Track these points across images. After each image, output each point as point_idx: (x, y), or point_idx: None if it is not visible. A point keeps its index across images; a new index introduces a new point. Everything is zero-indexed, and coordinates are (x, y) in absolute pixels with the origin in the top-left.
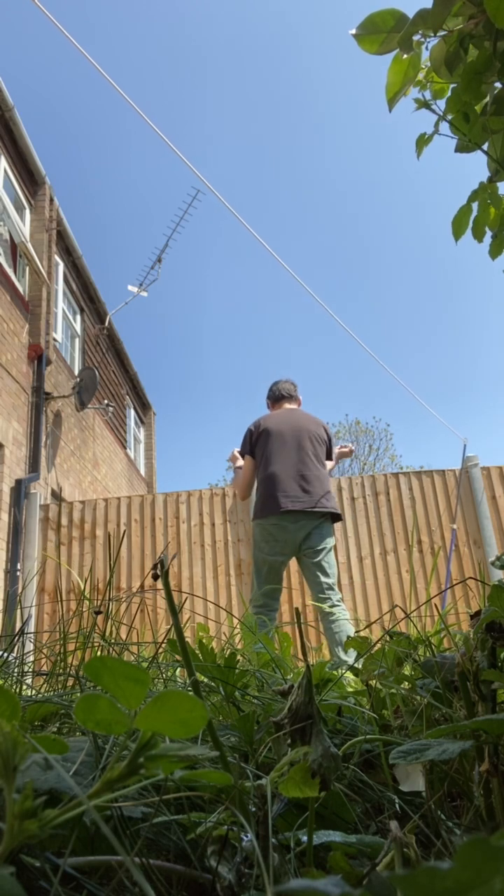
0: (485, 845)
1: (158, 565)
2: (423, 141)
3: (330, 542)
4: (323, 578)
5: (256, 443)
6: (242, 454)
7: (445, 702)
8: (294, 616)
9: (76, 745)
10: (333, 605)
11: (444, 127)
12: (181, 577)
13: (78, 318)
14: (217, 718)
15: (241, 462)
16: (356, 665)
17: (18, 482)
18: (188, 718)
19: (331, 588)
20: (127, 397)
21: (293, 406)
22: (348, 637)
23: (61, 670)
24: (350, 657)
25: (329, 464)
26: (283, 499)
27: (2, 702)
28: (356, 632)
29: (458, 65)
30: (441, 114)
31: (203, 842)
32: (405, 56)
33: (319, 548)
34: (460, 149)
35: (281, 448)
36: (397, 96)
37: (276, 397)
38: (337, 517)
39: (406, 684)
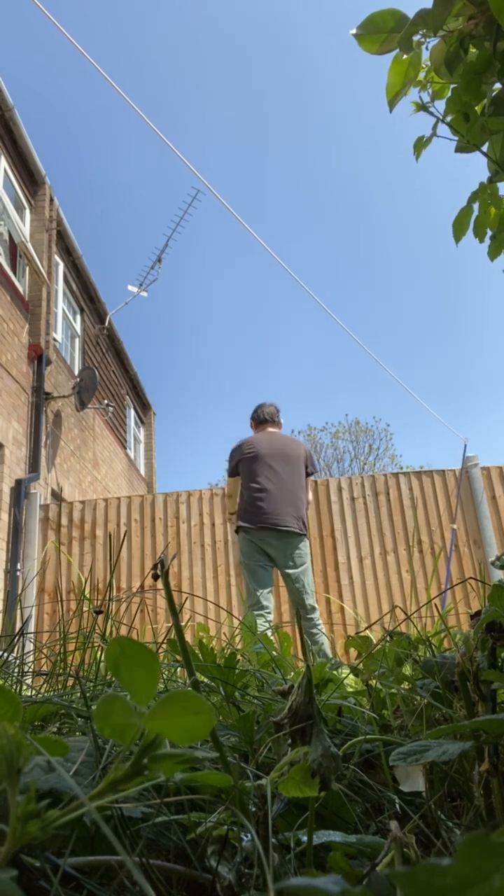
0: (485, 842)
1: (158, 565)
2: (421, 143)
3: (308, 558)
4: (308, 600)
5: (240, 462)
6: (228, 474)
7: (445, 702)
8: (294, 616)
9: (76, 746)
10: (315, 625)
11: (444, 128)
12: (181, 577)
13: (78, 318)
14: (217, 718)
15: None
16: (356, 665)
17: (18, 482)
18: (194, 722)
19: (314, 609)
20: (127, 397)
21: (274, 430)
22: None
23: (61, 670)
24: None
25: (310, 480)
26: (265, 516)
27: (3, 703)
28: (357, 632)
29: (458, 65)
30: (440, 116)
31: (203, 842)
32: (405, 56)
33: (300, 567)
34: (460, 149)
35: (264, 469)
36: (398, 97)
37: (260, 420)
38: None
39: (406, 684)
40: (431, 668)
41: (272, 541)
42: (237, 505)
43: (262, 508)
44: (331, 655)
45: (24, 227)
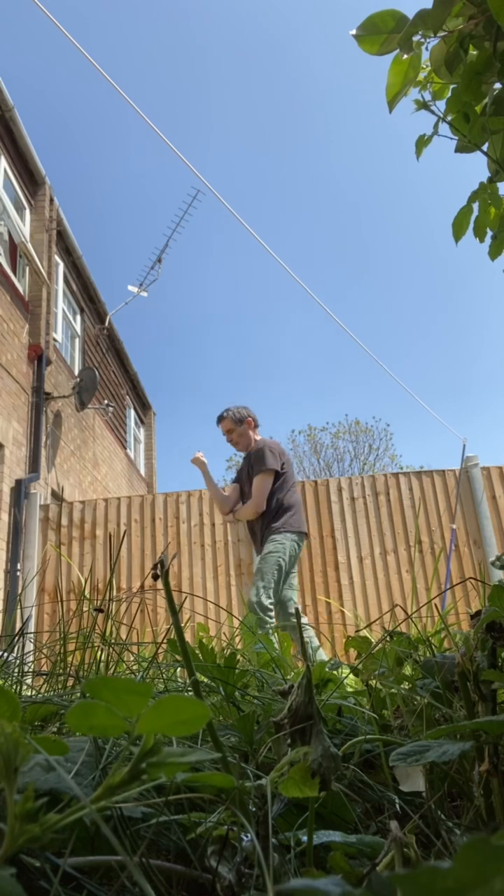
0: (486, 845)
1: (158, 565)
2: (422, 142)
3: None
4: (297, 598)
5: (283, 465)
6: (271, 469)
7: (445, 702)
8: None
9: (76, 745)
10: (306, 626)
11: (445, 128)
12: (181, 577)
13: (78, 318)
14: (217, 718)
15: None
16: (356, 665)
17: (18, 482)
18: (189, 719)
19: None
20: (127, 397)
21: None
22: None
23: (61, 670)
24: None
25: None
26: (304, 523)
27: (2, 702)
28: (357, 631)
29: (458, 65)
30: (440, 115)
31: (203, 842)
32: (405, 57)
33: (295, 570)
34: (460, 149)
35: (293, 477)
36: (398, 97)
37: (257, 424)
38: None
39: (406, 684)
40: (431, 668)
41: (303, 546)
42: (268, 507)
43: (302, 516)
44: (326, 657)
45: (24, 227)
